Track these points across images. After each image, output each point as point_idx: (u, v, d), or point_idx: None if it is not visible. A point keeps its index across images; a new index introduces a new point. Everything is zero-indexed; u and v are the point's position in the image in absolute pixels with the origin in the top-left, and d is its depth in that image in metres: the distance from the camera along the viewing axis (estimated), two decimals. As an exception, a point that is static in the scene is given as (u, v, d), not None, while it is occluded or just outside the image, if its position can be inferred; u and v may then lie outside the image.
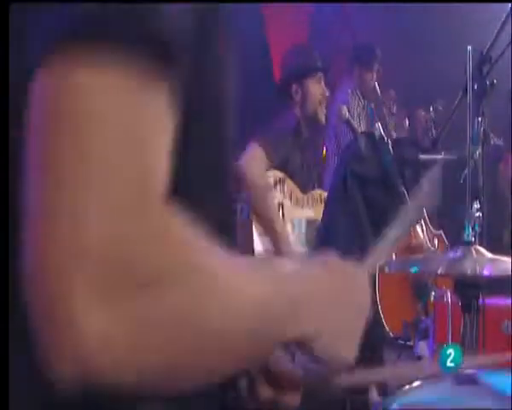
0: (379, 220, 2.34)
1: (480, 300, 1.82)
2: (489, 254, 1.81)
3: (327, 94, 3.44)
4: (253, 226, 3.09)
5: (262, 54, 5.51)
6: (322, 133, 3.72)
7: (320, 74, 3.43)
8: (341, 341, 0.75)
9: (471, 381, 1.24)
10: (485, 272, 1.69)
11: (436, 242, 4.59)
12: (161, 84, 0.56)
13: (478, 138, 2.03)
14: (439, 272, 1.74)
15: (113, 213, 0.52)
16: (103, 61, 0.53)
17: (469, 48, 1.89)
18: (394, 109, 4.80)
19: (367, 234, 2.28)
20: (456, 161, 2.05)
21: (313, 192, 3.39)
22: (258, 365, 0.80)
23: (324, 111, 3.41)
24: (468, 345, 1.90)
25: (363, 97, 4.44)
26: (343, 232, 2.31)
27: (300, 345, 0.72)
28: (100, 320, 0.51)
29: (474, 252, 1.78)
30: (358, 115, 4.35)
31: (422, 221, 4.31)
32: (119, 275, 0.52)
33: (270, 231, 3.08)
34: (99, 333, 0.52)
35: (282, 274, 0.70)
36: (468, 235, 1.84)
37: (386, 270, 2.01)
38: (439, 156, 2.20)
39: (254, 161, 3.02)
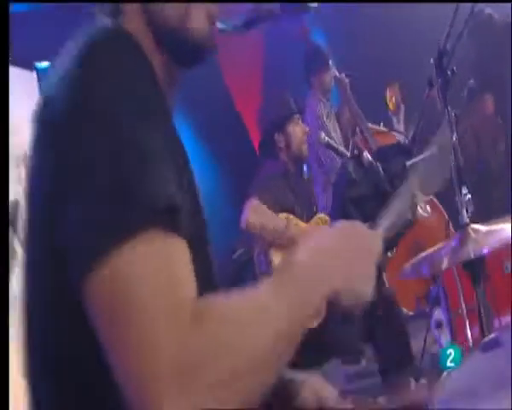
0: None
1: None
2: (485, 228, 2.03)
3: (307, 130, 3.65)
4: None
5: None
6: (305, 161, 3.88)
7: (297, 116, 3.62)
8: (361, 282, 0.94)
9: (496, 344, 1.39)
10: (487, 249, 1.91)
11: (429, 208, 4.79)
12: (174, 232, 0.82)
13: (452, 125, 2.24)
14: (445, 267, 1.95)
15: (172, 335, 0.76)
16: (131, 245, 0.78)
17: (432, 60, 2.09)
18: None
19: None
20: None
21: (316, 219, 3.55)
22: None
23: (306, 146, 3.62)
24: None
25: (326, 99, 4.64)
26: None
27: (331, 302, 0.91)
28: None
29: (472, 232, 1.99)
30: (327, 116, 4.53)
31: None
32: (191, 376, 0.75)
33: None
34: None
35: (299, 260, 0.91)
36: (462, 218, 2.05)
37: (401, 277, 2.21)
38: (422, 156, 2.37)
39: (256, 210, 3.21)
